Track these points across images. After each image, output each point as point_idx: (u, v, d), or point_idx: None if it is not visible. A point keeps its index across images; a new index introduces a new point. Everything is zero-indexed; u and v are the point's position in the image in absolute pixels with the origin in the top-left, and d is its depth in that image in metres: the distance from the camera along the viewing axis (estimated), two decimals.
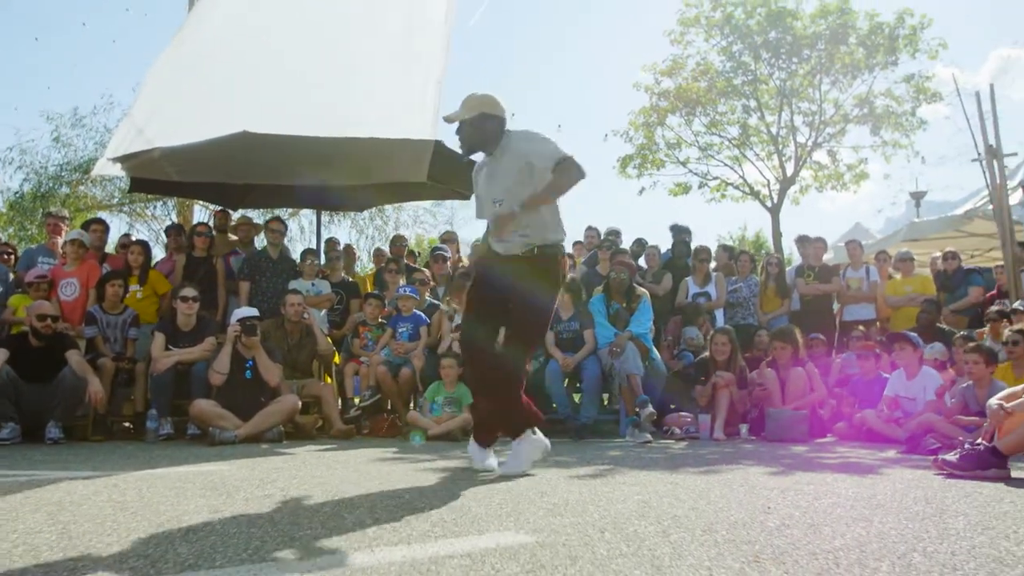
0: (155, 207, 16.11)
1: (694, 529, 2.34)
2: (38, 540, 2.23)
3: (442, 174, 7.59)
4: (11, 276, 7.43)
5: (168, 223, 12.15)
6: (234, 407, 5.91)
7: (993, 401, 4.11)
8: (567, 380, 6.98)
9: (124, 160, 7.21)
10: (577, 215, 38.95)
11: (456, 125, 3.96)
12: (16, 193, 15.61)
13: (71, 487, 3.36)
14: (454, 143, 5.73)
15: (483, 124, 3.90)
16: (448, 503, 2.89)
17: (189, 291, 6.63)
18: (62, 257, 7.26)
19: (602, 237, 9.25)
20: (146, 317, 7.08)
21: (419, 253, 12.53)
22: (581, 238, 9.98)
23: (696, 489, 3.26)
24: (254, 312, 6.43)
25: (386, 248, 9.65)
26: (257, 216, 11.70)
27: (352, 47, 7.78)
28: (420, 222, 19.11)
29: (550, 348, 6.74)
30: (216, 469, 4.07)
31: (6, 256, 7.80)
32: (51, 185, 15.34)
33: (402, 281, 8.09)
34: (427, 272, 8.24)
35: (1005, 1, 53.20)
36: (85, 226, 8.10)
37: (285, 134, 6.65)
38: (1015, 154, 11.73)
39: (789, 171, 18.99)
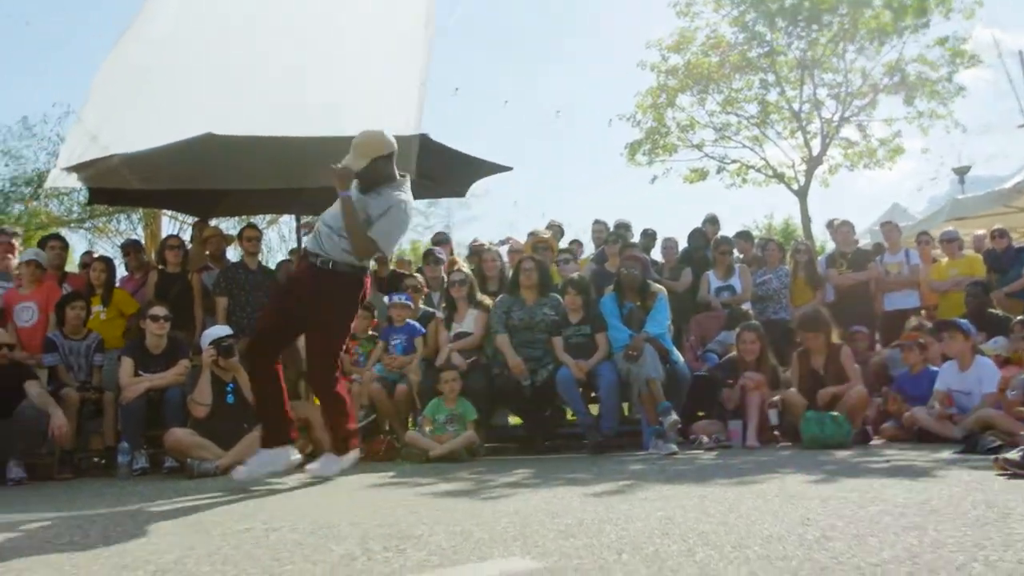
0: (119, 221, 16.05)
1: (723, 546, 2.28)
2: None
3: (433, 171, 7.56)
4: None
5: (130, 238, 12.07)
6: (214, 435, 5.85)
7: None
8: (581, 389, 6.92)
9: (79, 169, 7.16)
10: (583, 209, 38.87)
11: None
12: None
13: (30, 531, 3.31)
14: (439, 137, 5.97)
15: (373, 169, 4.70)
16: (448, 528, 2.83)
17: (159, 310, 6.59)
18: (17, 279, 7.22)
19: (610, 231, 9.20)
20: (112, 341, 7.02)
21: (411, 260, 12.50)
22: (589, 233, 9.94)
23: (726, 502, 3.20)
24: (227, 331, 6.38)
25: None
26: (231, 226, 11.69)
27: (326, 38, 7.73)
28: (412, 225, 19.06)
29: (560, 355, 6.68)
30: (193, 504, 4.02)
31: None
32: (1, 202, 15.33)
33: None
34: (420, 278, 8.20)
35: None
36: (41, 244, 8.07)
37: (255, 135, 6.62)
38: None
39: (815, 150, 18.87)
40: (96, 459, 6.92)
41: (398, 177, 4.86)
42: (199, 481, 5.29)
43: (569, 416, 7.49)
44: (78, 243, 15.01)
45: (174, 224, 13.72)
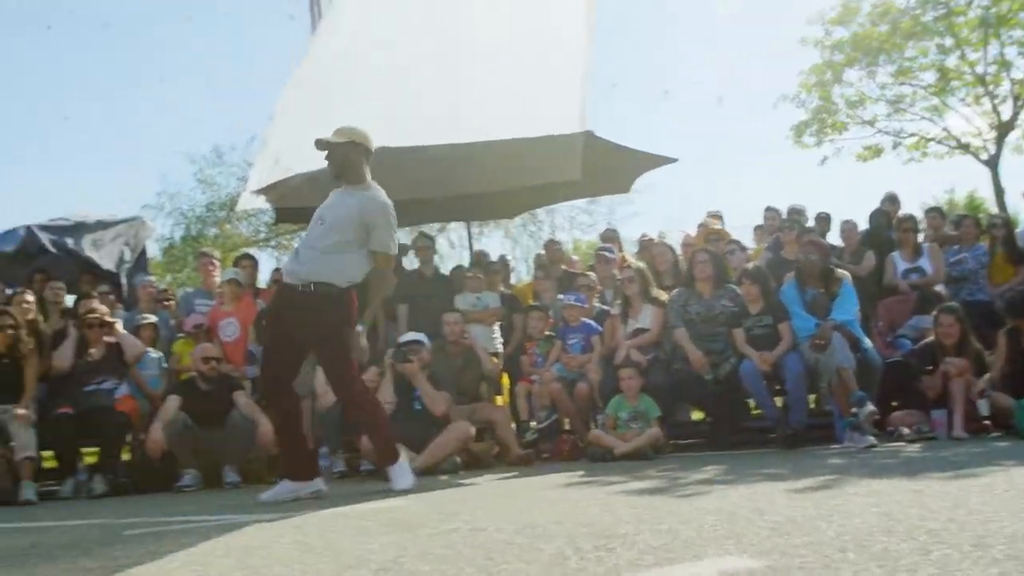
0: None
1: (960, 544, 2.13)
2: None
3: (598, 168, 7.56)
4: (171, 322, 8.08)
5: None
6: (405, 439, 6.08)
7: None
8: (766, 381, 6.70)
9: (266, 191, 7.67)
10: (749, 196, 37.63)
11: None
12: (167, 239, 17.08)
13: (255, 531, 3.57)
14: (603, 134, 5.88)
15: (348, 152, 4.90)
16: (652, 527, 2.81)
17: None
18: (219, 297, 7.80)
19: (784, 217, 8.90)
20: None
21: (579, 259, 12.55)
22: (761, 221, 9.64)
23: (949, 497, 3.01)
24: (418, 337, 6.57)
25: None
26: (403, 236, 12.13)
27: (486, 46, 7.87)
28: (577, 224, 19.08)
29: (741, 347, 6.50)
30: (396, 505, 4.19)
31: (166, 303, 8.49)
32: (199, 227, 16.63)
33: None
34: (592, 276, 8.21)
35: None
36: (235, 263, 8.68)
37: (424, 144, 6.85)
38: None
39: (1005, 115, 17.49)
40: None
41: (369, 180, 5.01)
42: (383, 484, 5.50)
43: (754, 410, 7.29)
44: (265, 261, 16.04)
45: None
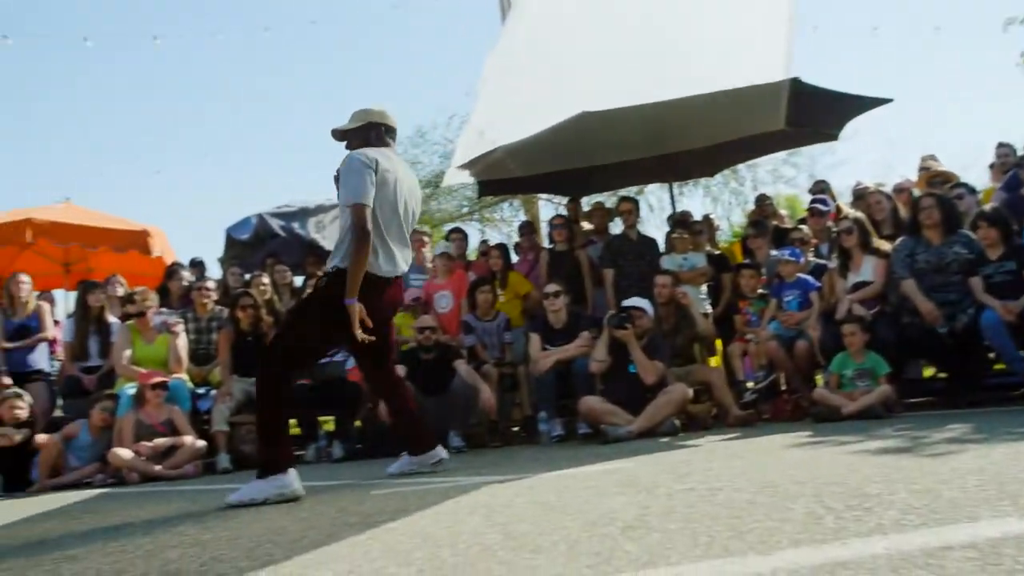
0: (502, 209, 17.53)
1: None
2: (488, 540, 2.47)
3: (803, 116, 7.22)
4: None
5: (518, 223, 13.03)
6: (621, 403, 6.13)
7: None
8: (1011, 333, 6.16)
9: (470, 166, 7.89)
10: (970, 136, 34.44)
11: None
12: None
13: (492, 490, 3.70)
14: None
15: (368, 135, 4.51)
16: (908, 487, 2.66)
17: (552, 287, 7.03)
18: (432, 271, 8.14)
19: (1020, 153, 8.13)
20: (513, 320, 7.66)
21: (789, 214, 12.05)
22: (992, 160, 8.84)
23: None
24: (639, 303, 6.51)
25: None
26: (606, 201, 12.12)
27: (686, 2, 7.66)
28: (780, 177, 18.22)
29: (981, 296, 6.01)
30: (623, 466, 4.22)
31: None
32: None
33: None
34: (805, 229, 7.86)
35: None
36: (446, 237, 9.03)
37: (624, 106, 6.77)
38: None
39: None
40: (516, 428, 7.59)
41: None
42: (616, 446, 5.55)
43: (996, 364, 6.73)
44: (472, 235, 16.56)
45: (551, 206, 14.60)
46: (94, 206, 10.58)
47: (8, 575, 2.79)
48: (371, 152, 4.33)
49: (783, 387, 7.04)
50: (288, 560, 2.50)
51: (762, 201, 9.31)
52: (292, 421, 7.28)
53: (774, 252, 7.38)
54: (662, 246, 8.13)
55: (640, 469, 4.03)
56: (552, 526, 2.61)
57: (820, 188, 9.10)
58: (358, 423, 7.46)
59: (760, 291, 7.26)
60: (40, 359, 7.79)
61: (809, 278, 6.92)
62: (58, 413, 7.74)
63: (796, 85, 6.60)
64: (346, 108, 4.63)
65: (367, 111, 4.54)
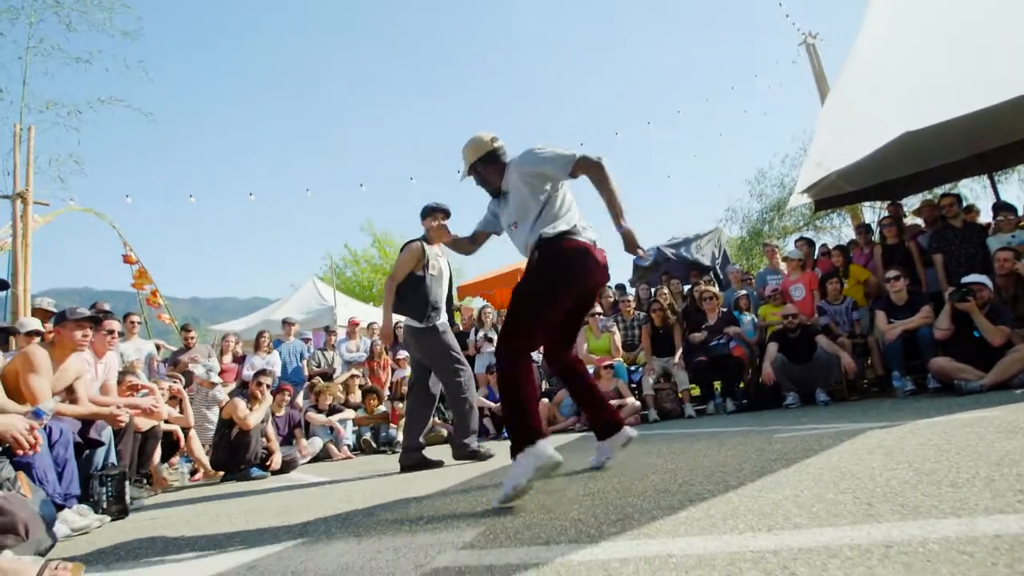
0: (832, 219, 15.97)
1: None
2: (902, 475, 2.22)
3: None
4: (754, 292, 8.14)
5: (848, 227, 11.74)
6: (969, 362, 5.16)
7: None
8: None
9: (810, 190, 7.27)
10: None
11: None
12: (740, 238, 17.64)
13: (878, 434, 3.29)
14: None
15: (480, 171, 3.24)
16: None
17: (892, 272, 6.19)
18: (787, 270, 7.63)
19: None
20: (857, 301, 6.86)
21: None
22: None
23: None
24: (977, 279, 5.46)
25: None
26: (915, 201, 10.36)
27: (995, 7, 6.22)
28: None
29: None
30: (991, 414, 3.53)
31: (747, 280, 8.59)
32: (757, 227, 16.88)
33: None
34: None
35: None
36: (795, 244, 8.38)
37: (943, 120, 5.74)
38: None
39: None
40: (868, 385, 6.77)
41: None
42: (969, 397, 4.66)
43: None
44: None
45: (872, 212, 12.90)
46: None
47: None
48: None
49: None
50: (741, 486, 2.39)
51: None
52: (693, 385, 7.30)
53: None
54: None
55: (1012, 416, 3.34)
56: (957, 465, 2.28)
57: None
58: (742, 384, 7.21)
59: None
60: None
61: None
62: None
63: None
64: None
65: (475, 139, 3.25)
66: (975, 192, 13.79)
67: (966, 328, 5.34)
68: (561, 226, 2.98)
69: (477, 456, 4.77)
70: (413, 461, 4.73)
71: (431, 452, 6.48)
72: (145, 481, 5.21)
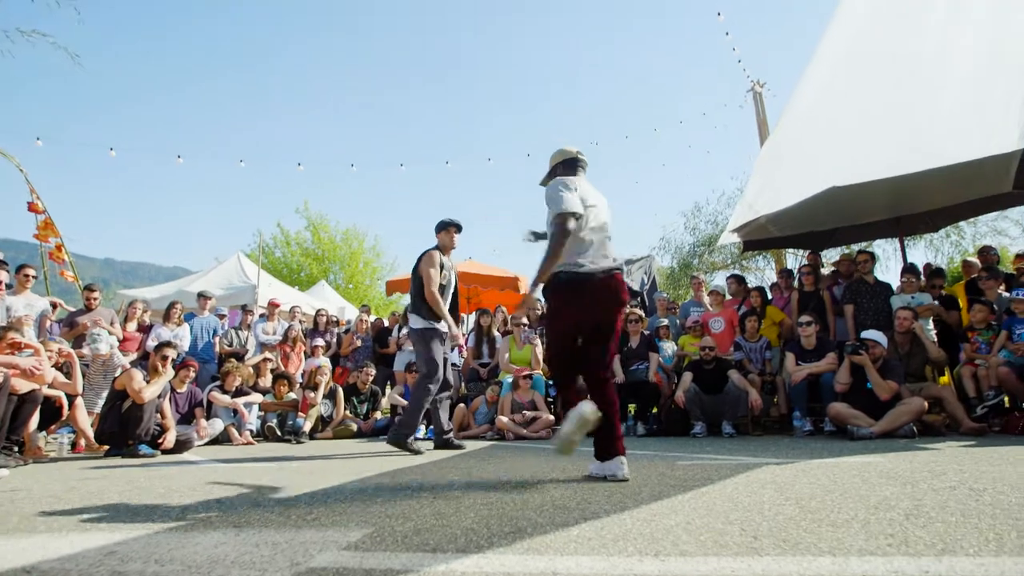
0: (757, 260, 16.62)
1: None
2: (788, 511, 2.29)
3: None
4: (677, 322, 8.35)
5: (771, 270, 12.25)
6: (862, 411, 5.44)
7: None
8: None
9: (739, 230, 7.53)
10: None
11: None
12: (669, 268, 18.05)
13: (773, 470, 3.42)
14: None
15: (554, 170, 3.60)
16: None
17: (805, 317, 6.46)
18: (710, 304, 7.85)
19: None
20: (771, 342, 7.13)
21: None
22: None
23: None
24: (872, 336, 5.75)
25: (974, 261, 7.94)
26: (835, 255, 10.94)
27: (937, 73, 6.60)
28: (999, 232, 15.11)
29: None
30: (876, 461, 3.73)
31: (671, 310, 8.79)
32: (687, 260, 17.31)
33: (1001, 290, 6.53)
34: None
35: None
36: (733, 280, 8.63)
37: (868, 180, 6.07)
38: None
39: None
40: (771, 422, 7.03)
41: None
42: (860, 443, 4.92)
43: None
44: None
45: (794, 258, 13.53)
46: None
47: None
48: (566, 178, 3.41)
49: (1018, 405, 5.80)
50: (637, 508, 2.44)
51: (987, 252, 7.81)
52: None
53: (1004, 293, 6.17)
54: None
55: (894, 464, 3.53)
56: (839, 506, 2.37)
57: None
58: (655, 409, 7.34)
59: (990, 323, 6.07)
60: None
61: None
62: (463, 391, 8.47)
63: None
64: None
65: (555, 154, 3.61)
66: (886, 252, 14.74)
67: (861, 379, 5.64)
68: (561, 261, 3.27)
69: (406, 448, 5.14)
70: (441, 443, 5.49)
71: (339, 445, 6.28)
72: (16, 449, 4.78)
